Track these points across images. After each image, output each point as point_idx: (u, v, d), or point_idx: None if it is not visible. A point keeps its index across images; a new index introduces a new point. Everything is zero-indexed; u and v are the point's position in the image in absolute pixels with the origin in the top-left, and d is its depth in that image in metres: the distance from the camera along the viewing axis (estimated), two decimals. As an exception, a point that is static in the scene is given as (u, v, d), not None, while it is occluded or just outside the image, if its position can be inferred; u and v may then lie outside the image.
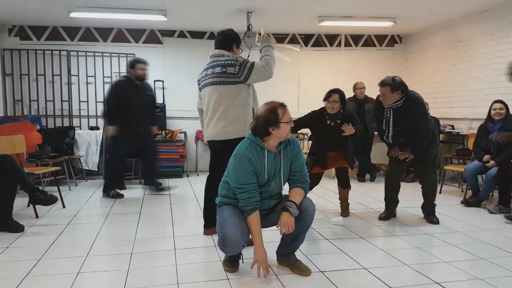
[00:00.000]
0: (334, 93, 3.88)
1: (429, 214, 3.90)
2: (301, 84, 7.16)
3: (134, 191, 5.26)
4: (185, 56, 6.56)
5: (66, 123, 6.39)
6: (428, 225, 3.78)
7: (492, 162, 4.34)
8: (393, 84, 3.49)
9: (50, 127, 6.22)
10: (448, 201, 4.74)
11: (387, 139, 3.79)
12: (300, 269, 2.63)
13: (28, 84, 6.24)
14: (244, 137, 2.59)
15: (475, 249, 3.11)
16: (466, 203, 4.52)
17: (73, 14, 5.36)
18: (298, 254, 2.81)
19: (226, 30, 3.25)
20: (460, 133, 5.78)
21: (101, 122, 6.19)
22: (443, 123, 6.08)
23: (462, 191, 5.14)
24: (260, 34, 3.33)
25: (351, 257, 2.92)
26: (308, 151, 4.38)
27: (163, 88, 6.54)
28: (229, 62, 3.07)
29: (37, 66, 6.23)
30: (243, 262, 2.67)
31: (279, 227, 2.45)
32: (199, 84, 3.30)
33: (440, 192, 5.14)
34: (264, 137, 2.45)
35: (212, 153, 3.33)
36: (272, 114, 2.40)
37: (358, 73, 6.75)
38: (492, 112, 4.47)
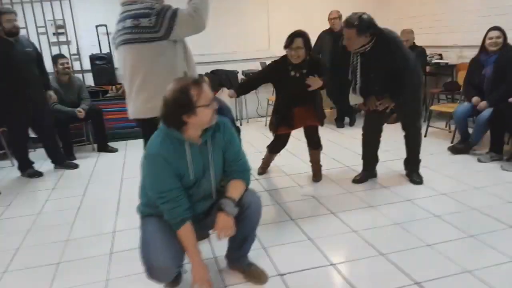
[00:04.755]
0: (296, 38, 3.18)
1: (412, 172, 3.42)
2: (270, 19, 6.27)
3: (84, 162, 4.65)
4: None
5: None
6: (411, 186, 3.32)
7: (483, 102, 3.76)
8: (360, 26, 2.80)
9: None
10: (434, 147, 4.24)
11: (354, 92, 3.17)
12: (254, 276, 2.17)
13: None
14: None
15: (463, 221, 2.66)
16: (454, 150, 4.02)
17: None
18: (254, 248, 2.33)
19: None
20: (449, 64, 5.13)
21: None
22: (430, 52, 5.40)
23: (450, 131, 4.63)
24: None
25: (318, 248, 2.45)
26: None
27: (107, 34, 5.64)
28: (143, 12, 2.30)
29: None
30: (185, 272, 2.19)
31: (215, 232, 1.94)
32: (114, 43, 2.56)
33: (425, 136, 4.64)
34: (181, 127, 1.84)
35: (143, 133, 2.68)
36: (183, 97, 1.75)
37: (336, 1, 5.82)
38: (488, 41, 3.79)
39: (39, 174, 4.22)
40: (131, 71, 2.41)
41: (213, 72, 5.94)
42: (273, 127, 3.51)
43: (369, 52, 2.94)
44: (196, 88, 1.78)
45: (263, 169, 3.84)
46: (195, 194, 2.00)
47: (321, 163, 3.64)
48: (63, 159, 4.47)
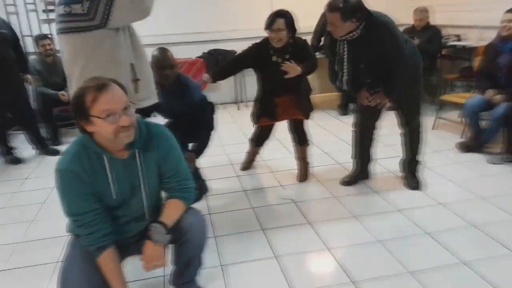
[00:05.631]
0: (277, 18, 2.79)
1: (409, 174, 3.02)
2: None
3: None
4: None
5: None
6: (405, 192, 2.93)
7: (498, 96, 3.28)
8: (344, 10, 2.37)
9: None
10: (441, 143, 3.80)
11: (340, 84, 2.77)
12: (201, 304, 1.91)
13: None
14: None
15: (458, 242, 2.27)
16: (463, 147, 3.57)
17: None
18: (210, 266, 2.10)
19: None
20: (467, 47, 4.57)
21: None
22: (448, 33, 4.84)
23: (462, 122, 4.13)
24: None
25: (283, 269, 2.14)
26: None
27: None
28: None
29: None
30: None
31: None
32: None
33: (434, 128, 4.18)
34: (88, 134, 1.55)
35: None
36: (77, 100, 1.47)
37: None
38: (501, 25, 3.29)
39: (17, 161, 4.04)
40: (68, 64, 2.12)
41: (210, 52, 5.56)
42: (254, 117, 3.17)
43: (357, 39, 2.52)
44: (93, 94, 1.44)
45: (247, 164, 3.52)
46: (125, 216, 1.72)
47: (311, 158, 3.30)
48: (44, 145, 4.27)
